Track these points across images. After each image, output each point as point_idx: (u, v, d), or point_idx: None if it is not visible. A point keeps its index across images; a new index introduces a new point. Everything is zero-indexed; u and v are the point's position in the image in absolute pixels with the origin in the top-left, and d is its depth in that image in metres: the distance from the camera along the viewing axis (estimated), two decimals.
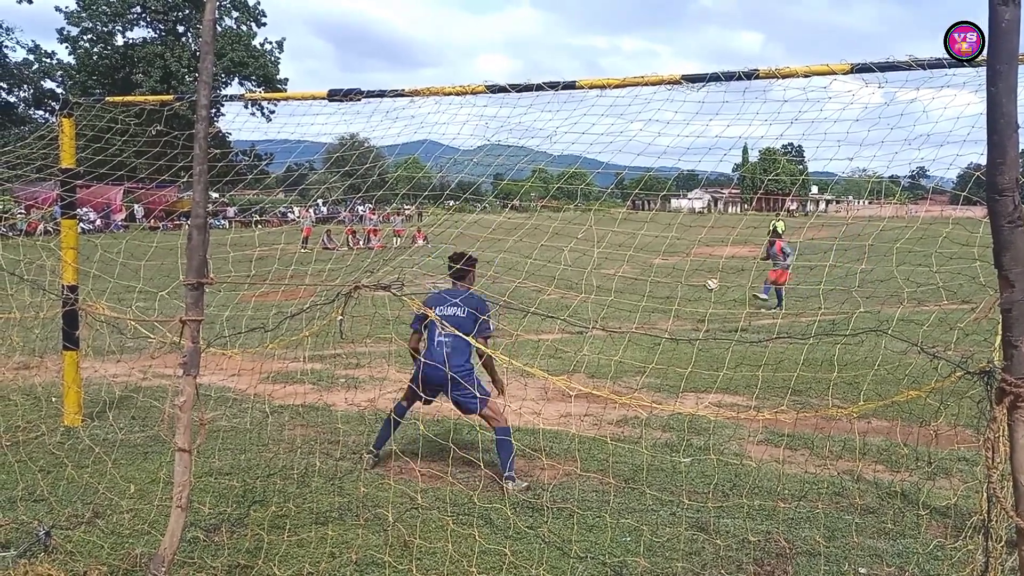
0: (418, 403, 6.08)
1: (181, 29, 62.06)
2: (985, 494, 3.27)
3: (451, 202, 12.52)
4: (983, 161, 2.92)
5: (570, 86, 5.14)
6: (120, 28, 60.51)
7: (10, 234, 14.19)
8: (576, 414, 7.58)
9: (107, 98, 7.43)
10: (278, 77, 64.05)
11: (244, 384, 8.15)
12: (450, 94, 5.46)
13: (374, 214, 27.79)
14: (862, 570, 4.45)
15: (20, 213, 13.96)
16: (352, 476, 5.86)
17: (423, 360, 5.59)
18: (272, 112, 42.65)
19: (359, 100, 5.68)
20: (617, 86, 5.06)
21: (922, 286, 5.36)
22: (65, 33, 58.82)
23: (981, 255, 3.49)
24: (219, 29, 56.87)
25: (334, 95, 5.72)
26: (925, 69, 4.19)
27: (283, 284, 6.46)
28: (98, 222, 28.54)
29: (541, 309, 7.50)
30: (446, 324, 5.42)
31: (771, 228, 16.30)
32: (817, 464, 6.25)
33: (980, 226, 3.48)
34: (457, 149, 6.73)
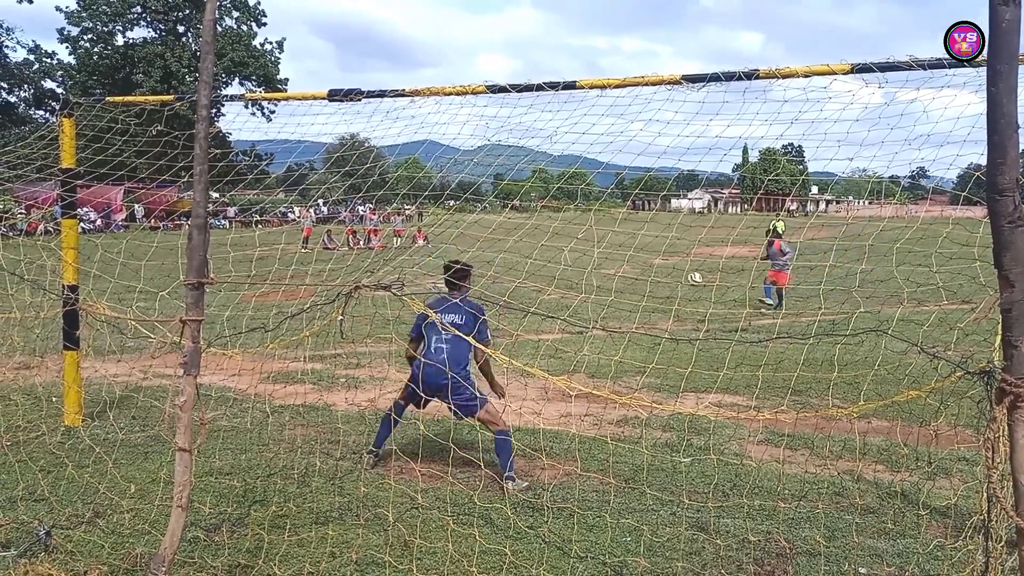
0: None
1: (181, 29, 62.08)
2: (985, 494, 3.27)
3: (451, 202, 12.53)
4: (983, 161, 2.92)
5: (570, 86, 5.14)
6: (120, 28, 60.54)
7: (10, 234, 14.19)
8: (576, 414, 7.58)
9: (107, 98, 7.43)
10: (278, 77, 64.05)
11: (244, 384, 8.15)
12: (450, 94, 5.46)
13: (374, 214, 27.78)
14: (862, 570, 4.45)
15: (20, 213, 13.96)
16: (352, 476, 5.86)
17: (423, 360, 5.60)
18: (272, 112, 42.63)
19: (359, 100, 5.68)
20: (617, 86, 5.06)
21: (922, 286, 5.36)
22: (65, 33, 58.86)
23: (981, 255, 3.49)
24: (219, 29, 56.87)
25: (334, 95, 5.72)
26: (925, 69, 4.20)
27: (283, 284, 6.46)
28: (98, 222, 28.56)
29: (541, 309, 7.50)
30: (448, 326, 5.44)
31: (771, 227, 16.28)
32: (817, 464, 6.25)
33: (980, 226, 3.48)
34: (457, 149, 6.74)
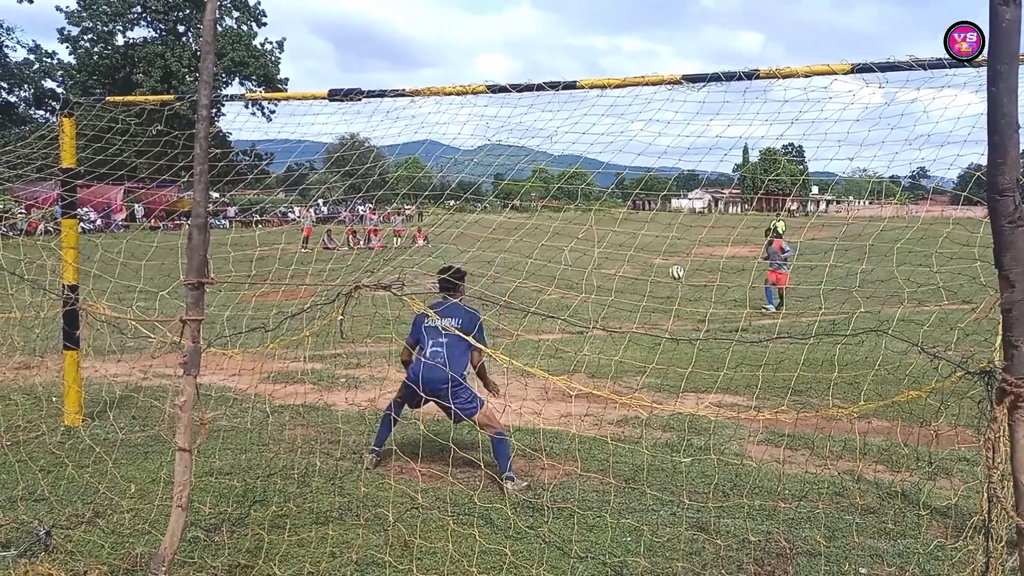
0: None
1: (182, 29, 62.09)
2: (986, 494, 3.27)
3: (452, 202, 12.52)
4: (984, 161, 2.92)
5: (570, 86, 5.14)
6: (121, 28, 60.55)
7: (11, 234, 14.19)
8: (576, 414, 7.58)
9: (107, 98, 7.43)
10: (278, 77, 64.06)
11: (245, 384, 8.15)
12: (451, 94, 5.46)
13: (374, 214, 27.78)
14: (863, 570, 4.45)
15: (20, 213, 13.97)
16: (352, 476, 5.86)
17: (423, 361, 5.60)
18: (272, 112, 42.63)
19: (359, 100, 5.68)
20: (617, 86, 5.06)
21: (922, 286, 5.36)
22: (66, 33, 58.87)
23: (981, 255, 3.49)
24: (220, 29, 56.84)
25: (334, 95, 5.72)
26: (926, 69, 4.20)
27: (283, 284, 6.46)
28: (99, 222, 28.57)
29: (541, 309, 7.50)
30: (450, 326, 5.44)
31: (771, 227, 16.25)
32: (817, 464, 6.25)
33: (981, 226, 3.48)
34: (458, 149, 6.74)
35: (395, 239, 26.81)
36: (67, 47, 59.51)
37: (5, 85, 59.60)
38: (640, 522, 4.98)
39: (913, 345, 4.10)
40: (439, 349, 5.75)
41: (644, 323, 10.03)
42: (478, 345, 5.46)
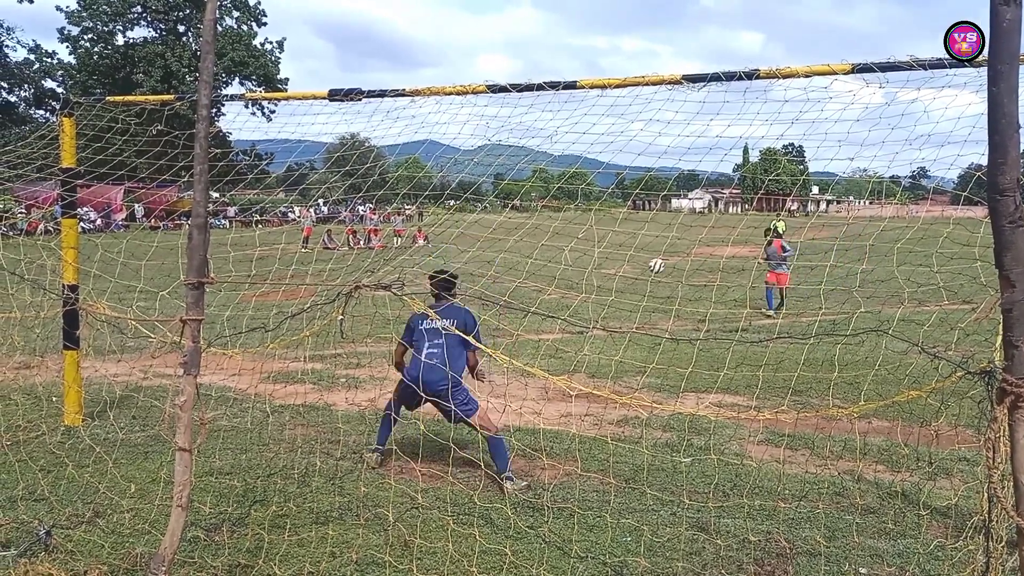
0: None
1: (182, 29, 62.08)
2: (986, 494, 3.27)
3: (452, 202, 12.51)
4: (984, 161, 2.92)
5: (571, 86, 5.14)
6: (121, 28, 60.54)
7: (11, 233, 14.20)
8: (577, 414, 7.58)
9: (108, 98, 7.43)
10: (279, 77, 64.04)
11: (245, 384, 8.15)
12: (451, 94, 5.46)
13: (375, 214, 27.78)
14: (863, 570, 4.45)
15: (21, 212, 13.97)
16: (353, 476, 5.86)
17: (422, 363, 5.62)
18: (273, 112, 42.63)
19: (360, 100, 5.68)
20: (618, 86, 5.06)
21: (923, 286, 5.36)
22: (66, 33, 58.85)
23: (982, 255, 3.49)
24: (220, 29, 56.84)
25: (335, 95, 5.72)
26: (926, 69, 4.19)
27: (284, 284, 6.46)
28: (99, 222, 28.57)
29: (542, 309, 7.50)
30: (450, 327, 5.46)
31: (772, 227, 16.23)
32: (818, 464, 6.25)
33: (981, 226, 3.48)
34: (458, 149, 6.73)
35: (395, 239, 26.81)
36: (67, 47, 59.55)
37: (5, 85, 59.62)
38: (640, 522, 4.98)
39: (913, 345, 4.10)
40: (437, 350, 5.78)
41: (644, 323, 10.03)
42: (478, 345, 5.46)
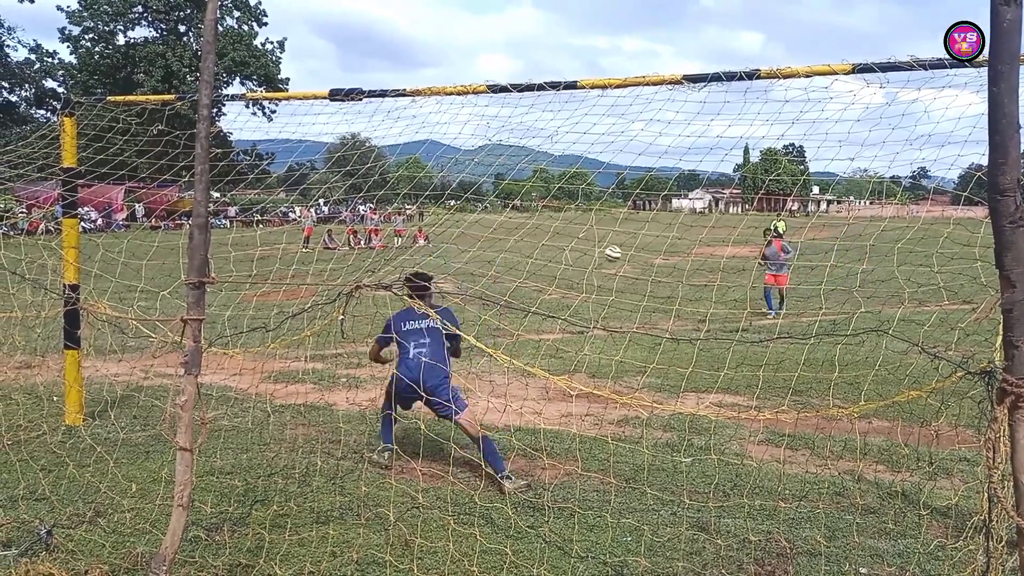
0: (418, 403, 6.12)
1: (183, 29, 62.09)
2: (986, 494, 3.27)
3: (452, 202, 12.51)
4: (985, 161, 2.92)
5: (571, 86, 5.14)
6: (122, 27, 60.57)
7: (12, 233, 14.20)
8: (577, 414, 7.58)
9: (108, 97, 7.44)
10: (279, 77, 64.05)
11: (246, 383, 8.16)
12: (451, 94, 5.47)
13: (375, 214, 27.79)
14: (863, 570, 4.45)
15: (22, 212, 13.97)
16: (353, 475, 5.86)
17: (410, 363, 5.72)
18: (273, 112, 42.65)
19: (360, 100, 5.69)
20: (618, 86, 5.06)
21: (923, 286, 5.36)
22: (67, 32, 58.87)
23: (982, 255, 3.49)
24: (220, 29, 56.84)
25: (335, 95, 5.73)
26: (926, 69, 4.20)
27: (284, 284, 6.46)
28: (99, 221, 28.58)
29: (542, 309, 7.50)
30: (448, 325, 5.50)
31: (772, 227, 16.22)
32: (818, 464, 6.25)
33: (981, 226, 3.48)
34: (458, 149, 6.74)
35: (396, 239, 26.82)
36: (68, 47, 59.57)
37: (6, 85, 59.65)
38: (641, 522, 4.98)
39: (914, 345, 4.09)
40: (422, 350, 5.86)
41: (644, 323, 10.02)
42: (458, 332, 5.59)
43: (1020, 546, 2.98)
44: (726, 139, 4.97)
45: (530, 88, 5.18)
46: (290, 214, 39.13)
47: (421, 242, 18.58)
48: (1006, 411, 2.94)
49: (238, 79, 62.51)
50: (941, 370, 3.82)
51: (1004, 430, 3.00)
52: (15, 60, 59.11)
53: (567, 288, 6.58)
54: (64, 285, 6.86)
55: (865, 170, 5.87)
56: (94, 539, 4.62)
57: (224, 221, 29.45)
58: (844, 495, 5.57)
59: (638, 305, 6.96)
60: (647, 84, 4.99)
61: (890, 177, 5.14)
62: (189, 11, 60.50)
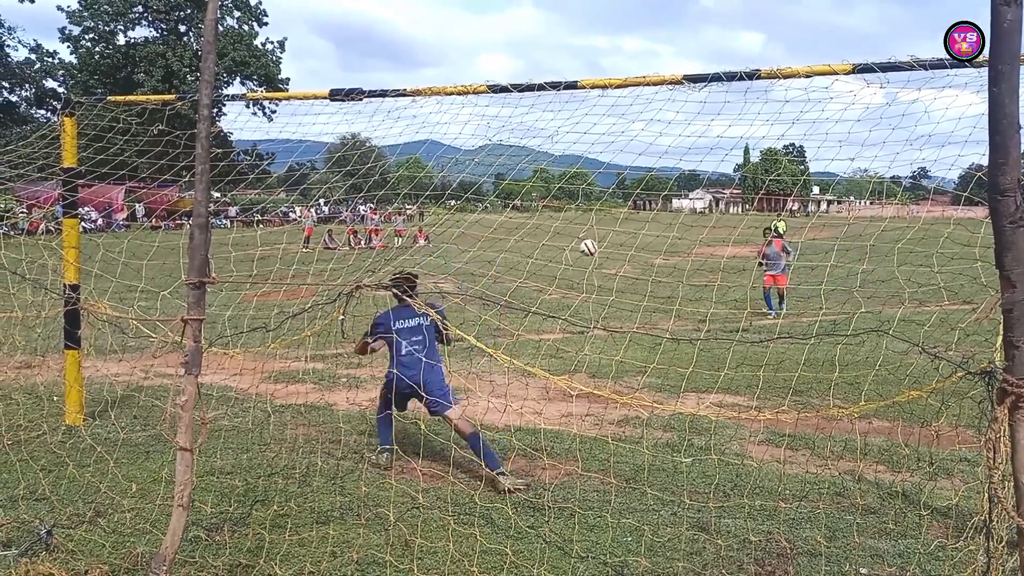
0: (415, 403, 6.14)
1: (183, 29, 62.10)
2: (986, 494, 3.27)
3: (453, 202, 12.51)
4: (985, 161, 2.92)
5: (572, 86, 5.14)
6: (122, 27, 60.57)
7: (12, 233, 14.21)
8: (577, 414, 7.58)
9: (109, 97, 7.44)
10: (280, 77, 64.05)
11: (246, 383, 8.16)
12: (452, 94, 5.47)
13: (376, 214, 27.80)
14: (863, 570, 4.45)
15: (22, 212, 13.98)
16: (353, 475, 5.86)
17: (404, 362, 5.76)
18: (274, 112, 42.67)
19: (361, 100, 5.69)
20: (619, 86, 5.06)
21: (923, 286, 5.36)
22: (67, 32, 58.88)
23: (982, 255, 3.49)
24: (221, 29, 56.84)
25: (336, 95, 5.73)
26: (927, 69, 4.20)
27: (285, 284, 6.46)
28: (100, 221, 28.58)
29: (542, 309, 7.50)
30: (432, 312, 5.59)
31: (772, 227, 16.21)
32: (818, 464, 6.25)
33: (982, 227, 3.48)
34: (459, 149, 6.74)
35: (396, 239, 26.82)
36: (68, 47, 59.57)
37: (6, 84, 59.64)
38: (641, 522, 4.98)
39: (914, 345, 4.09)
40: (416, 348, 5.91)
41: (645, 323, 10.03)
42: (445, 322, 5.63)
43: (1020, 546, 2.98)
44: (726, 139, 4.98)
45: (530, 88, 5.18)
46: (290, 214, 39.13)
47: (421, 242, 18.58)
48: (1006, 411, 2.94)
49: (238, 79, 62.53)
50: (941, 370, 3.82)
51: (1004, 430, 3.00)
52: (15, 60, 59.16)
53: (567, 288, 6.58)
54: (64, 285, 6.86)
55: (865, 170, 5.87)
56: (94, 539, 4.62)
57: (224, 221, 29.45)
58: (844, 495, 5.57)
59: (638, 305, 6.96)
60: (647, 84, 4.99)
61: (890, 177, 5.14)
62: (189, 11, 60.50)
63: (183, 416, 3.94)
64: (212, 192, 4.20)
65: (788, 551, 4.64)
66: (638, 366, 8.47)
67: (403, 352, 5.90)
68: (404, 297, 5.84)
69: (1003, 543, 3.41)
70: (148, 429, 6.97)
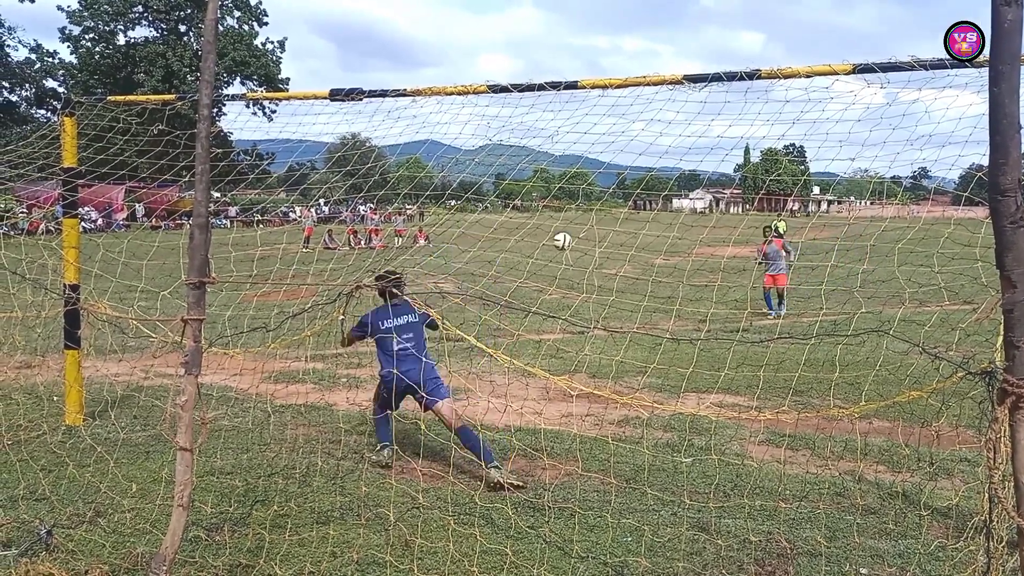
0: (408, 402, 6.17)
1: (183, 28, 62.09)
2: (987, 495, 3.27)
3: (453, 202, 12.50)
4: (985, 162, 2.92)
5: (572, 86, 5.14)
6: (122, 27, 60.57)
7: (12, 233, 14.21)
8: (577, 414, 7.58)
9: (109, 97, 7.44)
10: (280, 77, 64.04)
11: (246, 383, 8.15)
12: (452, 94, 5.47)
13: (376, 214, 27.80)
14: (863, 570, 4.45)
15: (22, 212, 13.98)
16: (354, 476, 5.86)
17: (399, 358, 5.80)
18: (274, 112, 42.67)
19: (361, 100, 5.69)
20: (619, 86, 5.06)
21: (924, 287, 5.36)
22: (67, 32, 58.87)
23: (983, 256, 3.49)
24: (221, 29, 56.83)
25: (336, 95, 5.73)
26: (927, 69, 4.19)
27: (285, 284, 6.46)
28: (100, 221, 28.59)
29: (543, 309, 7.50)
30: (422, 304, 5.59)
31: (772, 226, 16.20)
32: (818, 464, 6.24)
33: (982, 227, 3.48)
34: (459, 149, 6.74)
35: (396, 239, 26.82)
36: (68, 46, 59.56)
37: (7, 84, 59.63)
38: (641, 522, 4.98)
39: (914, 346, 4.09)
40: (408, 344, 5.94)
41: (645, 323, 10.03)
42: (432, 312, 5.77)
43: (1021, 546, 2.98)
44: (727, 139, 4.97)
45: (531, 88, 5.18)
46: (290, 214, 39.13)
47: (421, 242, 18.58)
48: (1007, 411, 2.94)
49: (238, 79, 62.52)
50: (942, 370, 3.82)
51: (1005, 430, 3.00)
52: (15, 60, 59.14)
53: (567, 288, 6.58)
54: (64, 285, 6.86)
55: (866, 170, 5.87)
56: (94, 539, 4.62)
57: (224, 221, 29.45)
58: (845, 495, 5.57)
59: (638, 305, 6.96)
60: (648, 84, 4.99)
61: (891, 177, 5.14)
62: (189, 11, 60.50)
63: (183, 416, 3.93)
64: (212, 192, 4.20)
65: (788, 551, 4.64)
66: (638, 366, 8.47)
67: (395, 350, 5.91)
68: (395, 293, 5.89)
69: (1003, 543, 3.41)
70: (148, 429, 6.97)
